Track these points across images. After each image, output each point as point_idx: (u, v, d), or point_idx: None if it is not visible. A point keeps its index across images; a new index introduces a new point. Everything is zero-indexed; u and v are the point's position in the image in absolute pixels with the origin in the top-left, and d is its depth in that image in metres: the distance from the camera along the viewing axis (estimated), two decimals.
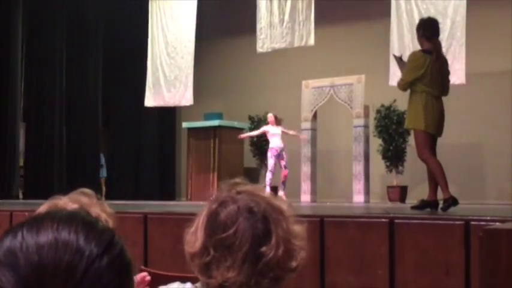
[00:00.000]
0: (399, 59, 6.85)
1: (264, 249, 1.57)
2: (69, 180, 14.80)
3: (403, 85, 6.48)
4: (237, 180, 1.72)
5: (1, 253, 0.87)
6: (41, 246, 0.86)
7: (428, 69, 6.25)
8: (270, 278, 1.58)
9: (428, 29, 6.51)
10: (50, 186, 13.96)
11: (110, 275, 0.88)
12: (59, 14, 14.83)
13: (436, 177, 6.19)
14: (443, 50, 6.97)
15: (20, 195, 14.12)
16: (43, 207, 2.14)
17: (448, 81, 6.63)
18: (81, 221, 0.92)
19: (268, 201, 1.65)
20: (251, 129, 14.17)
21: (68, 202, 2.09)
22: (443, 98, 6.48)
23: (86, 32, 15.39)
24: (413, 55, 6.57)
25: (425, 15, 8.89)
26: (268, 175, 11.94)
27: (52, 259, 0.85)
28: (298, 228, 1.65)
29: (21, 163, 14.56)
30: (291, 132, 12.32)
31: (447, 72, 6.64)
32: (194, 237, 1.63)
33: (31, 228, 0.89)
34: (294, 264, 1.61)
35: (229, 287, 1.57)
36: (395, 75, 9.94)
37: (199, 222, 1.64)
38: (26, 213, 5.95)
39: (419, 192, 11.07)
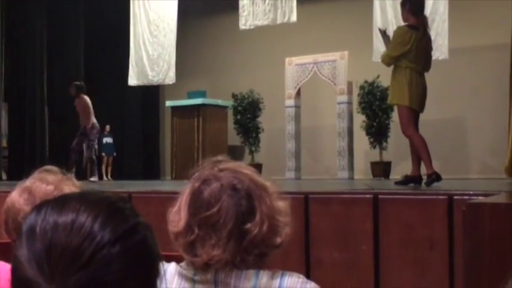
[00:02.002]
0: (383, 33, 6.83)
1: (248, 226, 1.57)
2: (52, 160, 14.73)
3: (388, 60, 6.47)
4: (220, 157, 1.71)
5: (25, 226, 0.91)
6: (57, 226, 0.88)
7: (413, 45, 6.25)
8: (255, 254, 1.59)
9: (415, 4, 6.49)
10: (33, 167, 13.80)
11: (121, 262, 0.88)
12: None
13: (420, 153, 6.22)
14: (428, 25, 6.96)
15: (4, 176, 14.04)
16: (14, 193, 2.08)
17: (431, 57, 6.64)
18: (105, 206, 0.93)
19: (251, 178, 1.64)
20: (235, 107, 14.16)
21: (39, 184, 2.04)
22: (426, 74, 6.49)
23: (67, 10, 15.21)
24: (399, 30, 6.54)
25: None
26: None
27: (63, 240, 0.87)
28: (281, 205, 1.65)
29: (4, 144, 14.46)
30: None
31: (430, 49, 6.65)
32: (177, 217, 1.62)
33: (56, 206, 0.92)
34: (278, 240, 1.61)
35: (215, 264, 1.57)
36: (378, 51, 9.94)
37: (182, 201, 1.63)
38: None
39: (403, 168, 11.13)
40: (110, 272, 0.87)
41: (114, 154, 16.00)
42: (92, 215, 0.90)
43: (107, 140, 15.96)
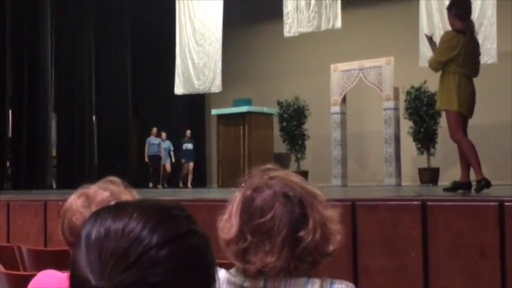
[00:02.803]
0: (430, 39, 6.75)
1: (302, 233, 1.57)
2: (100, 168, 14.95)
3: (436, 65, 6.39)
4: (268, 166, 1.71)
5: (83, 233, 0.95)
6: (109, 232, 0.91)
7: (461, 49, 6.15)
8: (308, 262, 1.58)
9: (461, 8, 6.40)
10: (82, 175, 14.13)
11: (167, 266, 0.89)
12: (86, 3, 14.92)
13: (469, 158, 6.12)
14: (475, 29, 6.86)
15: (54, 185, 14.30)
16: (73, 196, 2.15)
17: (479, 62, 6.53)
18: (158, 212, 0.95)
19: (301, 186, 1.64)
20: (280, 115, 14.17)
21: (98, 190, 2.10)
22: (475, 78, 6.39)
23: (114, 21, 15.47)
24: (446, 35, 6.45)
25: None
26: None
27: (113, 244, 0.90)
28: (332, 212, 1.64)
29: (54, 153, 14.74)
30: None
31: (478, 54, 6.54)
32: (229, 224, 1.62)
33: (111, 213, 0.95)
34: (331, 248, 1.61)
35: (268, 272, 1.56)
36: (424, 56, 9.83)
37: (233, 208, 1.63)
38: (60, 203, 6.02)
39: (451, 173, 10.97)
40: (156, 274, 0.88)
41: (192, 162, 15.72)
42: (143, 220, 0.92)
43: (187, 146, 15.66)
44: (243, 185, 1.67)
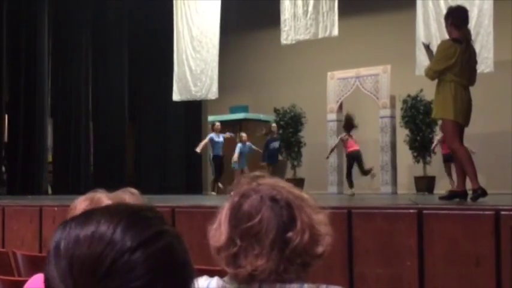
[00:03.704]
0: (427, 47, 6.77)
1: (290, 234, 1.58)
2: (96, 174, 14.93)
3: (432, 74, 6.40)
4: (257, 173, 1.72)
5: (51, 244, 0.92)
6: (79, 239, 0.89)
7: (458, 58, 6.17)
8: (298, 264, 1.59)
9: (458, 17, 6.41)
10: (78, 181, 14.12)
11: (144, 268, 0.88)
12: (83, 10, 14.93)
13: (465, 167, 6.12)
14: (472, 38, 6.87)
15: (49, 190, 14.27)
16: (81, 198, 2.14)
17: (475, 71, 6.54)
18: (127, 215, 0.93)
19: (288, 190, 1.66)
20: (276, 122, 14.15)
21: (103, 197, 2.09)
22: (471, 87, 6.40)
23: (111, 27, 15.47)
24: (443, 44, 6.47)
25: (451, 4, 8.78)
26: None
27: (85, 251, 0.88)
28: (320, 216, 1.66)
29: (50, 159, 14.72)
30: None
31: (475, 62, 6.55)
32: (218, 232, 1.63)
33: (79, 221, 0.93)
34: (320, 249, 1.62)
35: (259, 275, 1.57)
36: (421, 64, 9.84)
37: (222, 216, 1.65)
38: (55, 208, 6.01)
39: (447, 182, 10.99)
40: (133, 279, 0.87)
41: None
42: (113, 224, 0.90)
43: (274, 145, 13.84)
44: (231, 193, 1.69)
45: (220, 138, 13.27)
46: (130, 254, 0.87)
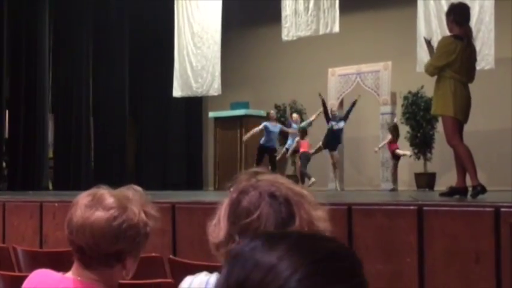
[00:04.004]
0: (428, 43, 6.77)
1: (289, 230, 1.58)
2: (97, 170, 14.94)
3: (432, 70, 6.40)
4: (255, 169, 1.73)
5: (232, 252, 0.89)
6: (258, 264, 0.84)
7: (458, 55, 6.17)
8: None
9: (459, 14, 6.41)
10: (78, 177, 14.12)
11: None
12: (85, 5, 14.91)
13: (465, 164, 6.13)
14: (473, 35, 6.87)
15: (50, 186, 14.28)
16: (84, 193, 2.12)
17: (475, 68, 6.54)
18: (312, 260, 0.85)
19: (288, 187, 1.66)
20: (278, 118, 14.15)
21: (105, 194, 2.07)
22: (472, 83, 6.40)
23: (112, 23, 15.47)
24: (443, 40, 6.47)
25: (452, 0, 8.77)
26: None
27: (257, 283, 0.83)
28: (320, 212, 1.66)
29: (51, 154, 14.72)
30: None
31: (474, 60, 6.56)
32: (217, 228, 1.64)
33: (267, 242, 0.87)
34: None
35: None
36: (422, 61, 9.84)
37: (221, 213, 1.66)
38: (56, 204, 6.02)
39: (448, 179, 10.98)
40: None
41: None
42: (292, 269, 0.83)
43: (338, 125, 12.40)
44: (231, 190, 1.69)
45: (276, 128, 12.46)
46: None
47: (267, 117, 12.73)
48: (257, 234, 0.92)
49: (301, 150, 12.42)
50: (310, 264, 0.83)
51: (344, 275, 0.86)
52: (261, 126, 12.32)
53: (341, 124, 12.24)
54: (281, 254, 0.84)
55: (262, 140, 12.25)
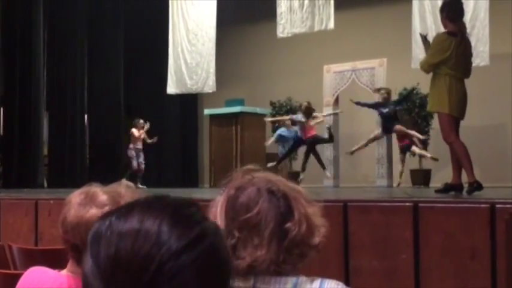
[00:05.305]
0: (424, 38, 6.77)
1: (288, 225, 1.61)
2: (92, 168, 14.91)
3: (427, 67, 6.41)
4: (249, 166, 1.76)
5: (90, 236, 0.90)
6: (122, 234, 0.86)
7: (453, 51, 6.18)
8: (296, 254, 1.62)
9: (453, 10, 6.42)
10: (73, 174, 14.09)
11: (190, 273, 0.84)
12: (79, 2, 14.88)
13: (461, 161, 6.13)
14: (467, 31, 6.88)
15: (45, 184, 14.24)
16: (77, 191, 2.13)
17: (471, 63, 6.55)
18: (170, 211, 0.89)
19: (284, 183, 1.69)
20: (273, 115, 14.13)
21: (99, 191, 2.08)
22: (467, 80, 6.41)
23: (107, 20, 15.43)
24: (438, 37, 6.48)
25: None
26: None
27: (129, 248, 0.84)
28: (313, 208, 1.69)
29: (45, 152, 14.69)
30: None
31: (470, 55, 6.56)
32: None
33: (120, 214, 0.89)
34: (316, 240, 1.65)
35: (259, 266, 1.58)
36: (417, 58, 9.85)
37: (217, 210, 1.67)
38: (51, 201, 6.01)
39: (443, 175, 10.98)
40: (179, 284, 0.83)
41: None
42: (157, 221, 0.86)
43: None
44: (224, 188, 1.71)
45: (290, 134, 12.39)
46: (177, 256, 0.84)
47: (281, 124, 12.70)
48: (104, 214, 0.93)
49: (311, 133, 11.91)
50: (170, 216, 0.87)
51: (199, 218, 0.92)
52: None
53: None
54: (140, 218, 0.86)
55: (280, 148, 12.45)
